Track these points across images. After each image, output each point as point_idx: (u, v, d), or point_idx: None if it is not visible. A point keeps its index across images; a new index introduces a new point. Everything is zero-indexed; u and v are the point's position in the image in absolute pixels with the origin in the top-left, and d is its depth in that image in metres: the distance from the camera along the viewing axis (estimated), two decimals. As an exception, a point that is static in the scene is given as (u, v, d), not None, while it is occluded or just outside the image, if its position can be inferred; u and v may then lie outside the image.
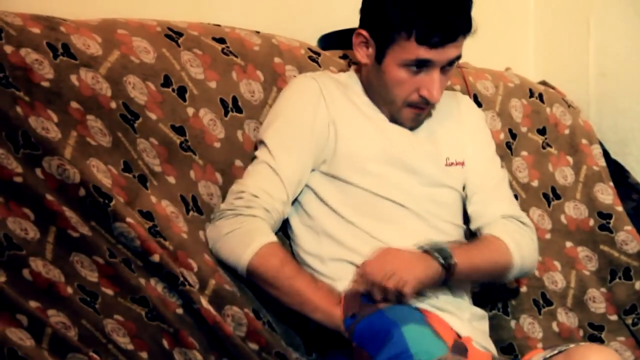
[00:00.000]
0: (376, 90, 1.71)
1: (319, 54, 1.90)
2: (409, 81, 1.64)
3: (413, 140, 1.73)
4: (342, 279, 1.62)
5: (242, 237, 1.58)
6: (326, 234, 1.68)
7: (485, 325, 1.74)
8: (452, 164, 1.76)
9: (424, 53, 1.60)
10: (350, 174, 1.68)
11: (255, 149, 1.71)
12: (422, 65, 1.62)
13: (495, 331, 1.88)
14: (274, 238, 1.60)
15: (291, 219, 1.72)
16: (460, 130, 1.80)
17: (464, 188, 1.79)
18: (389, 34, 1.62)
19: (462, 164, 1.78)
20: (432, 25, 1.59)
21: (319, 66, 1.87)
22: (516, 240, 1.73)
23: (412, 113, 1.70)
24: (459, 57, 1.65)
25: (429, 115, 1.76)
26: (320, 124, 1.68)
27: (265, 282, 1.58)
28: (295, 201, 1.71)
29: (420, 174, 1.71)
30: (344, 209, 1.67)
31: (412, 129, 1.73)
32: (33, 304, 1.32)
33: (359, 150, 1.68)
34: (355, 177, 1.68)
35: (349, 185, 1.68)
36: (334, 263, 1.66)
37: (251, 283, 1.61)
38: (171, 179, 1.61)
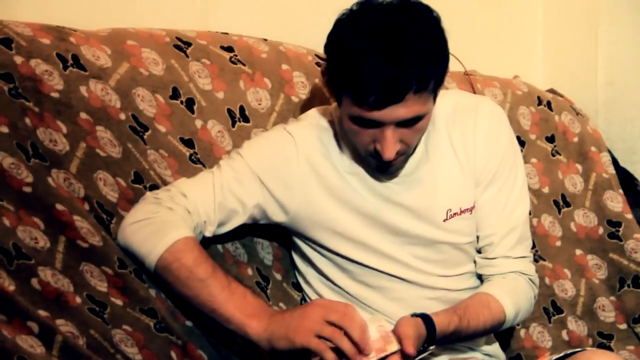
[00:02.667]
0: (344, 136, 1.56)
1: (326, 61, 1.91)
2: (364, 133, 1.45)
3: (400, 200, 1.58)
4: None
5: (157, 227, 1.45)
6: (321, 296, 1.65)
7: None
8: (454, 214, 1.59)
9: (364, 113, 1.41)
10: (332, 242, 1.60)
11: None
12: (367, 124, 1.44)
13: (504, 340, 1.88)
14: (191, 234, 1.46)
15: (301, 273, 1.70)
16: (472, 164, 1.60)
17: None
18: (337, 86, 1.47)
19: (470, 210, 1.61)
20: (366, 87, 1.38)
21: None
22: (516, 304, 1.61)
23: (376, 163, 1.51)
24: (420, 117, 1.43)
25: (436, 148, 1.59)
26: (281, 185, 1.56)
27: (176, 281, 1.43)
28: (299, 258, 1.69)
29: (405, 235, 1.59)
30: (331, 273, 1.63)
31: (393, 173, 1.57)
32: (42, 313, 1.32)
33: (334, 218, 1.58)
34: (336, 244, 1.60)
35: (329, 251, 1.61)
36: None
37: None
38: (184, 190, 1.62)
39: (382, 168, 1.54)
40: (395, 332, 1.41)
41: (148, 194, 1.53)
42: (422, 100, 1.42)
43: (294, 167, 1.57)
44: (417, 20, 1.41)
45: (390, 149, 1.44)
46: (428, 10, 1.45)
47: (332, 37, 1.46)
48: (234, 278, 1.47)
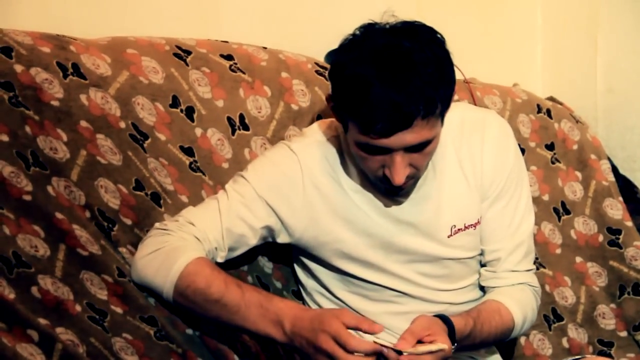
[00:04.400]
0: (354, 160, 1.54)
1: (325, 69, 1.91)
2: (372, 159, 1.45)
3: (405, 217, 1.57)
4: None
5: (167, 255, 1.44)
6: (322, 308, 1.65)
7: None
8: (458, 230, 1.59)
9: (372, 140, 1.40)
10: (336, 261, 1.60)
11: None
12: (375, 151, 1.43)
13: (505, 348, 1.88)
14: (200, 254, 1.46)
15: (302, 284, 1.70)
16: (479, 179, 1.60)
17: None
18: (342, 113, 1.46)
19: (475, 225, 1.61)
20: (373, 114, 1.37)
21: (327, 80, 1.87)
22: (524, 312, 1.61)
23: (386, 187, 1.50)
24: (428, 141, 1.42)
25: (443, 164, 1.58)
26: (287, 208, 1.55)
27: (195, 307, 1.44)
28: (301, 270, 1.69)
29: (409, 253, 1.59)
30: (334, 287, 1.63)
31: (404, 196, 1.56)
32: (42, 321, 1.32)
33: (340, 239, 1.57)
34: (341, 263, 1.60)
35: (333, 268, 1.61)
36: None
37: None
38: (184, 198, 1.62)
39: (392, 192, 1.53)
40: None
41: (156, 225, 1.52)
42: (430, 125, 1.41)
43: (299, 188, 1.56)
44: (421, 44, 1.39)
45: (400, 175, 1.43)
46: (432, 32, 1.44)
47: (335, 63, 1.45)
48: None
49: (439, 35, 1.44)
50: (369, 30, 1.44)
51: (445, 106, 1.44)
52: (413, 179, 1.50)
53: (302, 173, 1.56)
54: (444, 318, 1.45)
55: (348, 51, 1.43)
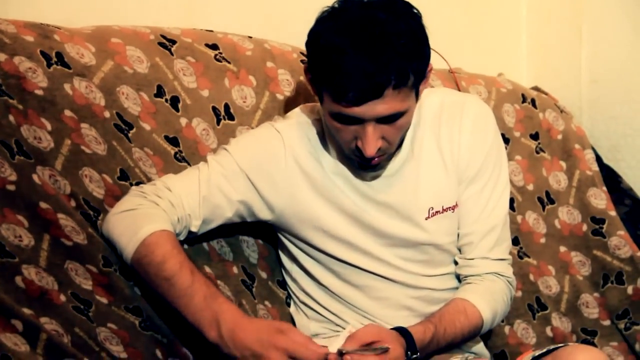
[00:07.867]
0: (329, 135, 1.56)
1: (312, 58, 1.91)
2: (345, 130, 1.46)
3: (383, 198, 1.58)
4: (322, 336, 1.61)
5: (136, 219, 1.46)
6: (306, 293, 1.66)
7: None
8: (436, 213, 1.59)
9: (344, 109, 1.41)
10: (317, 239, 1.60)
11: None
12: (347, 120, 1.44)
13: (489, 337, 1.89)
14: (166, 227, 1.46)
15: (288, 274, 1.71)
16: (456, 162, 1.60)
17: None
18: (317, 83, 1.47)
19: (453, 208, 1.61)
20: (345, 82, 1.38)
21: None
22: (493, 307, 1.60)
23: (359, 161, 1.51)
24: (400, 113, 1.43)
25: (419, 146, 1.58)
26: (268, 184, 1.57)
27: (147, 277, 1.44)
28: (285, 255, 1.69)
29: (388, 237, 1.59)
30: (316, 271, 1.64)
31: (377, 171, 1.56)
32: (26, 311, 1.32)
33: (320, 216, 1.58)
34: (322, 242, 1.60)
35: (314, 249, 1.62)
36: (316, 323, 1.67)
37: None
38: (168, 188, 1.62)
39: (364, 166, 1.54)
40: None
41: (133, 187, 1.54)
42: (402, 97, 1.42)
43: (281, 164, 1.57)
44: (396, 16, 1.41)
45: (371, 146, 1.44)
46: (408, 6, 1.46)
47: (312, 34, 1.47)
48: (203, 273, 1.48)
49: (415, 10, 1.46)
50: (347, 3, 1.46)
51: (419, 79, 1.45)
52: (385, 154, 1.51)
53: (285, 151, 1.57)
54: (401, 330, 1.46)
55: (324, 22, 1.45)
